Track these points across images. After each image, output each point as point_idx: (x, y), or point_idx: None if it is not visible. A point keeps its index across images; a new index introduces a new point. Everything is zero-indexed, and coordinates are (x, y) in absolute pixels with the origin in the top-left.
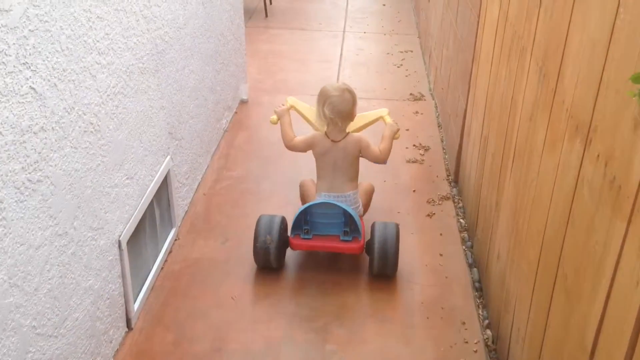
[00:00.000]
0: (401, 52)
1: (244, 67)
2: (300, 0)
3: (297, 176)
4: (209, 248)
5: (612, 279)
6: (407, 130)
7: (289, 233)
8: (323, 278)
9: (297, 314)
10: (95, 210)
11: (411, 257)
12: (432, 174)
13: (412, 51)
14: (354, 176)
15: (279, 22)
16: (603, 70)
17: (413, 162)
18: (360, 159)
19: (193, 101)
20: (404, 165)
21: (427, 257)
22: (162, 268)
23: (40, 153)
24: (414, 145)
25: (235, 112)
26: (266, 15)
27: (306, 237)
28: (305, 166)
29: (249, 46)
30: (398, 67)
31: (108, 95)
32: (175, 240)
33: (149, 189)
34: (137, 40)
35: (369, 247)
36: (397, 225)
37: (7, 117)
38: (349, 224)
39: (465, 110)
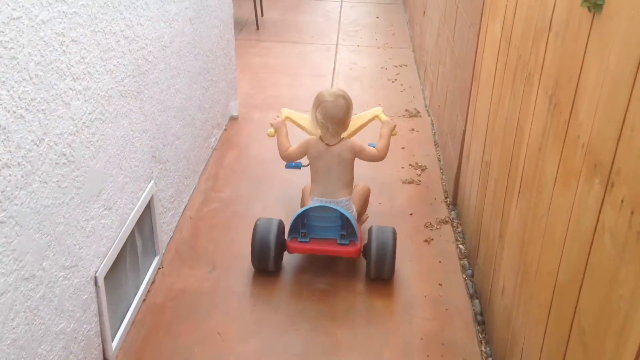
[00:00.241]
0: (395, 66)
1: (234, 83)
2: (292, 12)
3: (288, 199)
4: (194, 278)
5: None
6: (403, 148)
7: (286, 236)
8: (318, 308)
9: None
10: (68, 247)
11: (409, 286)
12: (430, 196)
13: (406, 65)
14: (348, 182)
15: (271, 34)
16: (627, 110)
17: (409, 182)
18: (356, 163)
19: (179, 121)
20: (400, 186)
21: (426, 286)
22: (143, 300)
23: (3, 192)
24: (410, 164)
25: (225, 129)
26: (257, 28)
27: (303, 240)
28: (297, 188)
29: (240, 60)
30: (392, 81)
31: (84, 122)
32: (159, 268)
33: (130, 218)
34: (118, 62)
35: (366, 250)
36: (394, 230)
37: None
38: (346, 228)
39: (464, 131)
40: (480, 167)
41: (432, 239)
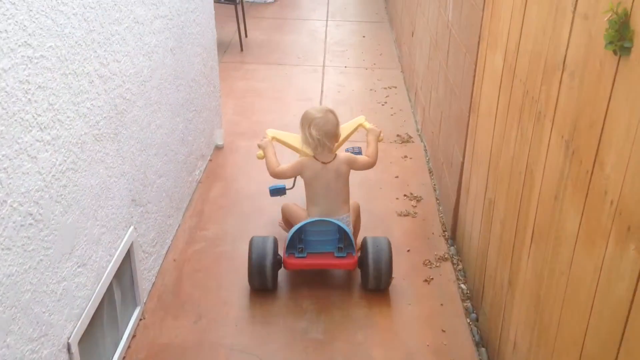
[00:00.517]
0: (384, 88)
1: (218, 111)
2: (276, 32)
3: (278, 236)
4: (178, 329)
5: None
6: (397, 177)
7: (280, 253)
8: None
9: None
10: (36, 315)
11: (411, 334)
12: (427, 230)
13: (395, 87)
14: (346, 197)
15: (255, 56)
16: None
17: (405, 215)
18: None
19: (161, 158)
20: (395, 220)
21: (428, 334)
22: (123, 358)
23: None
24: (404, 195)
25: (210, 160)
26: (241, 49)
27: (301, 255)
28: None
29: (224, 83)
30: (382, 104)
31: (53, 175)
32: (141, 320)
33: (107, 271)
34: (92, 104)
35: (361, 262)
36: (388, 240)
37: None
38: (344, 240)
39: (463, 163)
40: (483, 203)
41: (432, 279)
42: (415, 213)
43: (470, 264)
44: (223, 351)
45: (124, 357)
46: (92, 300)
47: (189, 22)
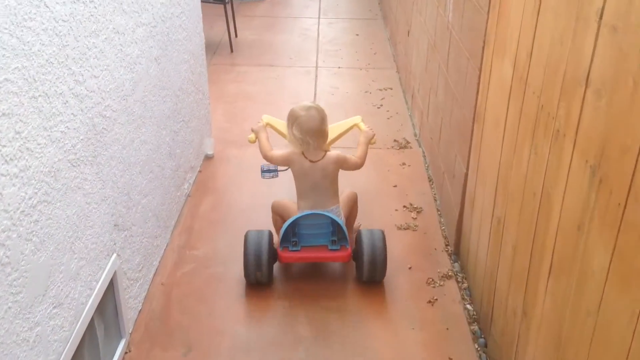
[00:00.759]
0: (380, 89)
1: (208, 119)
2: (267, 31)
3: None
4: None
5: None
6: (395, 187)
7: (275, 246)
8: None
9: None
10: None
11: None
12: (429, 245)
13: (391, 89)
14: (334, 192)
15: (246, 57)
16: None
17: (405, 228)
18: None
19: (146, 176)
20: (395, 234)
21: None
22: None
23: None
24: (404, 206)
25: (200, 171)
26: (232, 50)
27: (295, 249)
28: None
29: (214, 87)
30: (378, 107)
31: (22, 211)
32: (126, 353)
33: (87, 308)
34: (66, 127)
35: (356, 254)
36: (382, 232)
37: None
38: (337, 233)
39: (466, 175)
40: (491, 221)
41: (436, 299)
42: (416, 226)
43: (476, 284)
44: None
45: None
46: (70, 342)
47: (174, 27)
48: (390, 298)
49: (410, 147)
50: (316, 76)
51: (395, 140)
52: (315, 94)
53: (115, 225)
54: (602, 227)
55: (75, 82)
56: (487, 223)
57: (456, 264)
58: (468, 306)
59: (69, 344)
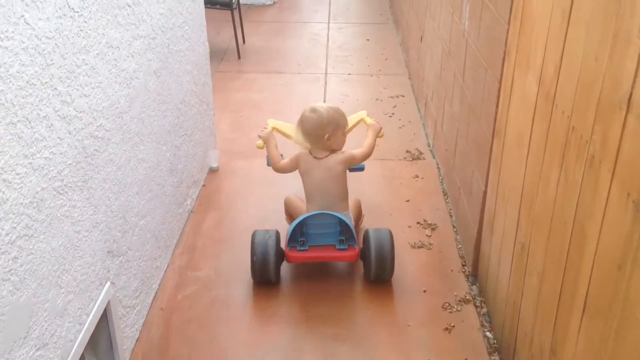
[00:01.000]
0: (391, 97)
1: (212, 131)
2: (276, 37)
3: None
4: None
5: None
6: (408, 201)
7: (282, 246)
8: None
9: None
10: None
11: None
12: (445, 265)
13: (403, 96)
14: (342, 196)
15: (254, 64)
16: None
17: (419, 247)
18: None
19: (144, 196)
20: (408, 252)
21: None
22: None
23: None
24: (417, 222)
25: (204, 185)
26: (239, 57)
27: (302, 248)
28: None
29: (221, 95)
30: (390, 116)
31: None
32: None
33: (76, 345)
34: (51, 152)
35: (364, 254)
36: (389, 231)
37: None
38: (345, 233)
39: (485, 193)
40: (514, 246)
41: (454, 326)
42: (430, 244)
43: (497, 310)
44: None
45: None
46: None
47: (175, 38)
48: (403, 324)
49: (424, 159)
50: (325, 83)
51: (407, 151)
52: (324, 102)
53: (109, 252)
54: None
55: (62, 103)
56: (509, 246)
57: (474, 287)
58: (488, 334)
59: None
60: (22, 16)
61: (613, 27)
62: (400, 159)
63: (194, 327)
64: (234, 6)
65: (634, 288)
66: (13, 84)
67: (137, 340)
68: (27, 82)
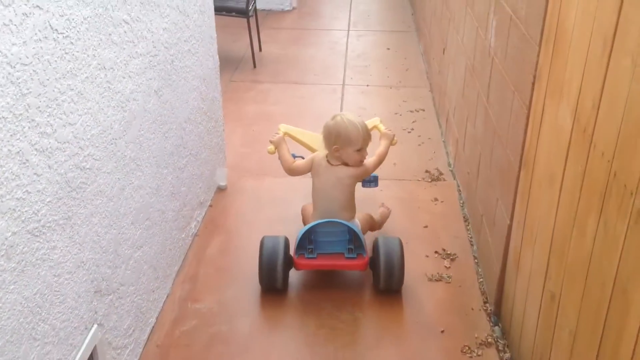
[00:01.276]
0: (411, 111)
1: (221, 147)
2: (294, 44)
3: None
4: None
5: None
6: (426, 227)
7: (291, 253)
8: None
9: None
10: None
11: None
12: (464, 301)
13: (423, 110)
14: (347, 206)
15: (269, 74)
16: None
17: (437, 280)
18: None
19: (141, 225)
20: (425, 286)
21: None
22: None
23: None
24: (435, 252)
25: (210, 206)
26: (254, 66)
27: (311, 256)
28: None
29: (234, 107)
30: (409, 132)
31: None
32: None
33: None
34: (25, 191)
35: (373, 262)
36: (399, 240)
37: None
38: (354, 241)
39: (510, 227)
40: (542, 293)
41: None
42: (449, 277)
43: (522, 358)
44: None
45: None
46: None
47: (181, 54)
48: None
49: (444, 179)
50: (342, 95)
51: (426, 171)
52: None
53: (96, 291)
54: None
55: (41, 135)
56: (536, 292)
57: (497, 328)
58: None
59: None
60: None
61: None
62: (418, 180)
63: None
64: (250, 13)
65: None
66: None
67: None
68: None
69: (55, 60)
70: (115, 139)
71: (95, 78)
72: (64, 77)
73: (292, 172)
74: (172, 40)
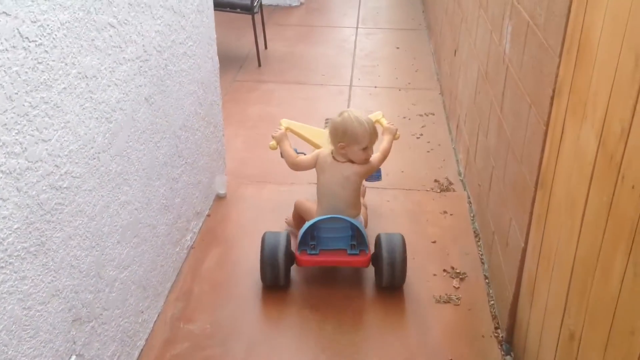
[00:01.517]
0: (420, 115)
1: (221, 154)
2: (301, 42)
3: (281, 332)
4: None
5: None
6: (434, 242)
7: (293, 249)
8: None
9: None
10: None
11: None
12: (474, 327)
13: (433, 114)
14: (352, 203)
15: (274, 73)
16: None
17: (445, 302)
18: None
19: (128, 243)
20: (433, 309)
21: None
22: None
23: None
24: (444, 270)
25: (208, 215)
26: (259, 65)
27: (313, 252)
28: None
29: (236, 108)
30: (417, 137)
31: None
32: None
33: None
34: None
35: (375, 259)
36: (402, 236)
37: None
38: (356, 238)
39: (525, 251)
40: (559, 330)
41: None
42: (458, 298)
43: None
44: None
45: None
46: None
47: (175, 57)
48: None
49: (454, 190)
50: (349, 97)
51: (435, 181)
52: None
53: (75, 320)
54: None
55: (7, 155)
56: (553, 326)
57: (508, 357)
58: None
59: None
60: None
61: None
62: (427, 190)
63: None
64: (255, 10)
65: None
66: None
67: None
68: None
69: (26, 72)
70: (99, 153)
71: (75, 88)
72: (36, 90)
73: (296, 167)
74: (165, 43)
